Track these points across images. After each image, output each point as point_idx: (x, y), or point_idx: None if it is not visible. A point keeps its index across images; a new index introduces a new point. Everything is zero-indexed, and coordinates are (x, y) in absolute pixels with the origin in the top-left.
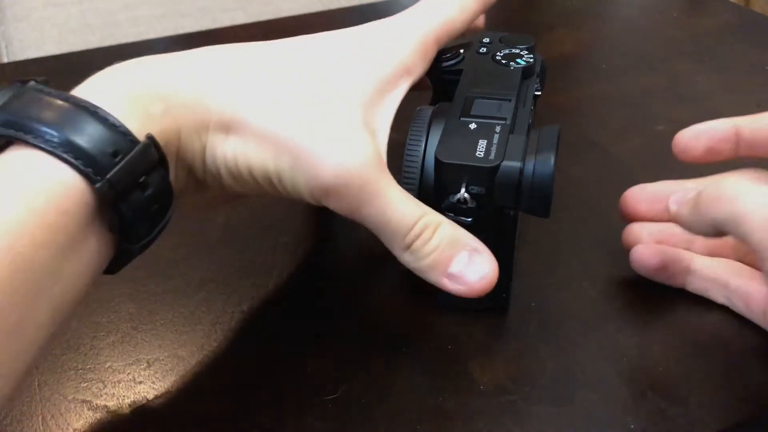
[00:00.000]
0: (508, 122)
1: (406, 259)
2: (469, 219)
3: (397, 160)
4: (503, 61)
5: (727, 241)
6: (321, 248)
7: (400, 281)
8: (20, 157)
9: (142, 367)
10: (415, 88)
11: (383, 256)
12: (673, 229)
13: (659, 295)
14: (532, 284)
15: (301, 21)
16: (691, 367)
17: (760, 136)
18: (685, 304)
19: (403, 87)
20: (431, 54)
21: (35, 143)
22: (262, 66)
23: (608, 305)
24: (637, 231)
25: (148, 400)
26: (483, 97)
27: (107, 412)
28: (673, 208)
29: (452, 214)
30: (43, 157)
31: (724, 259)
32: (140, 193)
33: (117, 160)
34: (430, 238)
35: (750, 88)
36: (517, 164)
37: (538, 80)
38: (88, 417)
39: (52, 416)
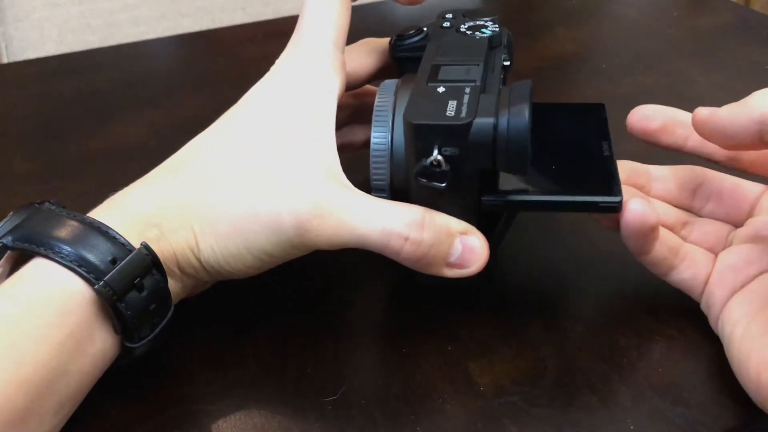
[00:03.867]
0: (478, 83)
1: (404, 263)
2: (443, 184)
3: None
4: (468, 33)
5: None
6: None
7: (399, 282)
8: (34, 267)
9: (140, 372)
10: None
11: (382, 257)
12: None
13: (659, 296)
14: (532, 285)
15: None
16: (691, 367)
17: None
18: (685, 304)
19: (329, 105)
20: (341, 60)
21: (47, 255)
22: (216, 170)
23: (608, 305)
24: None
25: (146, 401)
26: (450, 64)
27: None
28: (703, 112)
29: (425, 180)
30: (52, 266)
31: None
32: (137, 294)
33: (115, 265)
34: (421, 239)
35: (750, 88)
36: (490, 120)
37: (506, 52)
38: None
39: None
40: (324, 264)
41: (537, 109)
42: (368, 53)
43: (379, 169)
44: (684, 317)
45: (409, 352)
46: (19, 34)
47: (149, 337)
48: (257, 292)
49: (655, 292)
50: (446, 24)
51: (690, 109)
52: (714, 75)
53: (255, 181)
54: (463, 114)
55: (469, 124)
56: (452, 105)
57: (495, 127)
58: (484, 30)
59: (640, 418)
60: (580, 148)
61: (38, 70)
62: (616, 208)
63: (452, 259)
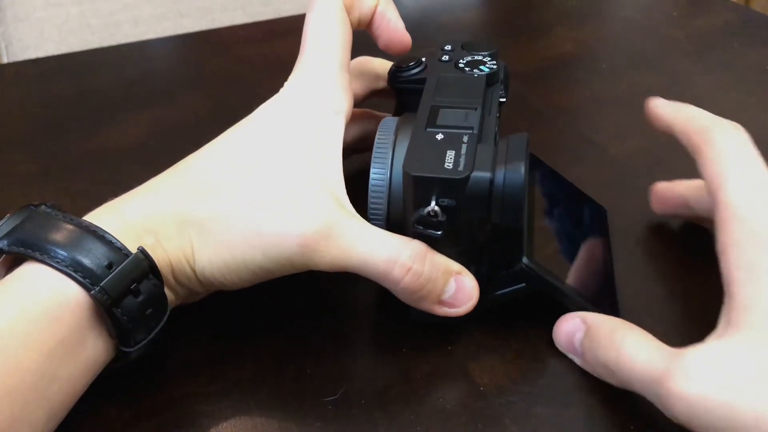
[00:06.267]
0: (475, 131)
1: (401, 294)
2: (439, 232)
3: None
4: (467, 69)
5: None
6: None
7: None
8: (27, 271)
9: (140, 371)
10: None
11: None
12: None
13: (659, 296)
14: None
15: (301, 21)
16: None
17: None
18: (685, 305)
19: (337, 127)
20: (347, 81)
21: (42, 259)
22: (221, 183)
23: None
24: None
25: (145, 401)
26: (448, 107)
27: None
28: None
29: (421, 228)
30: (47, 271)
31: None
32: (133, 299)
33: (111, 270)
34: (422, 272)
35: (750, 88)
36: (487, 175)
37: (502, 87)
38: None
39: None
40: None
41: (561, 182)
42: (361, 75)
43: (377, 207)
44: (684, 317)
45: (409, 352)
46: (19, 34)
47: (145, 341)
48: (256, 294)
49: (655, 293)
50: (445, 57)
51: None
52: (714, 75)
53: (260, 198)
54: (461, 167)
55: (467, 178)
56: (450, 155)
57: (491, 181)
58: (482, 67)
59: (640, 418)
60: (597, 250)
61: (38, 70)
62: None
63: (446, 296)
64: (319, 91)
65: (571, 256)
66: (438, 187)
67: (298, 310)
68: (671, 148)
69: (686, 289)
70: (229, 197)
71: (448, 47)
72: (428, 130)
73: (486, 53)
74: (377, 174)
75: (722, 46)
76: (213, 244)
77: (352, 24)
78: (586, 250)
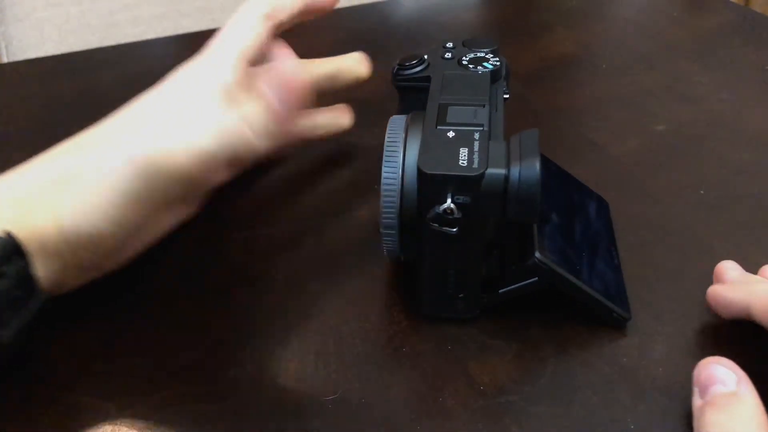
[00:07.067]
0: (485, 128)
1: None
2: (454, 230)
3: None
4: (470, 66)
5: None
6: (319, 249)
7: (399, 282)
8: None
9: (141, 371)
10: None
11: (382, 257)
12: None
13: (658, 297)
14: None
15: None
16: (691, 367)
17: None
18: (684, 305)
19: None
20: (243, 66)
21: None
22: (109, 128)
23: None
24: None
25: (145, 401)
26: (457, 104)
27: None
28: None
29: (437, 225)
30: None
31: None
32: None
33: None
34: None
35: (750, 88)
36: (502, 171)
37: (504, 83)
38: None
39: None
40: (323, 263)
41: (561, 175)
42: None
43: (390, 204)
44: (684, 318)
45: (409, 352)
46: (19, 34)
47: (18, 325)
48: (257, 295)
49: (656, 293)
50: (447, 55)
51: (689, 109)
52: (714, 75)
53: (150, 114)
54: (476, 164)
55: (482, 175)
56: (464, 153)
57: (506, 178)
58: (485, 64)
59: (640, 417)
60: (602, 243)
61: (38, 70)
62: (623, 324)
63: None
64: (209, 57)
65: (579, 250)
66: (453, 184)
67: (298, 310)
68: (671, 148)
69: (687, 290)
70: (115, 127)
71: (449, 44)
72: (439, 128)
73: (487, 50)
74: (389, 172)
75: (722, 46)
76: (77, 191)
77: (280, 26)
78: (592, 243)
